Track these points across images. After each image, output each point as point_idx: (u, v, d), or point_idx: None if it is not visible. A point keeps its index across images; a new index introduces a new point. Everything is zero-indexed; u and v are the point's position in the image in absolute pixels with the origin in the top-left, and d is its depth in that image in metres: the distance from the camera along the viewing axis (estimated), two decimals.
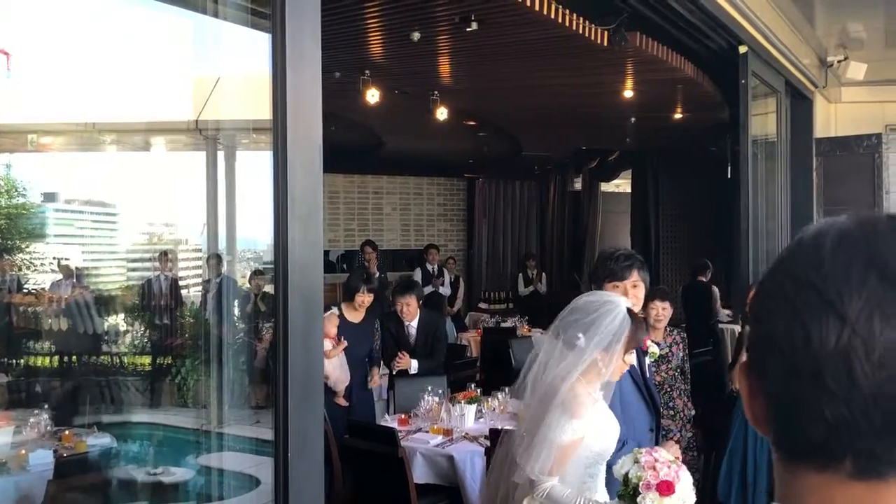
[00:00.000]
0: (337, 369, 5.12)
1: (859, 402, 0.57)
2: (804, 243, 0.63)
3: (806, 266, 0.61)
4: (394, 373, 5.63)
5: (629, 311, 2.57)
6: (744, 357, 0.70)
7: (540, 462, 2.47)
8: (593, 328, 2.49)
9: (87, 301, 7.46)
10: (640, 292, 3.05)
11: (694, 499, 2.42)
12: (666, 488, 2.33)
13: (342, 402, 5.21)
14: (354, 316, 5.39)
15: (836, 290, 0.59)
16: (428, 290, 9.30)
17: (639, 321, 2.57)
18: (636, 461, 2.40)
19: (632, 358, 2.60)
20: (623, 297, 2.69)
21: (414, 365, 5.56)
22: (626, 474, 2.40)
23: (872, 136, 7.50)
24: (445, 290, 10.47)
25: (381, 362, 5.69)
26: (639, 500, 2.35)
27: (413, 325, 5.72)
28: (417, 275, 10.08)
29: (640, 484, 2.34)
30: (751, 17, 5.60)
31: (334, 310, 5.38)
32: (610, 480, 2.58)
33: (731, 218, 6.03)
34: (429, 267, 10.58)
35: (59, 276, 7.91)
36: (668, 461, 2.40)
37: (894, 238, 0.60)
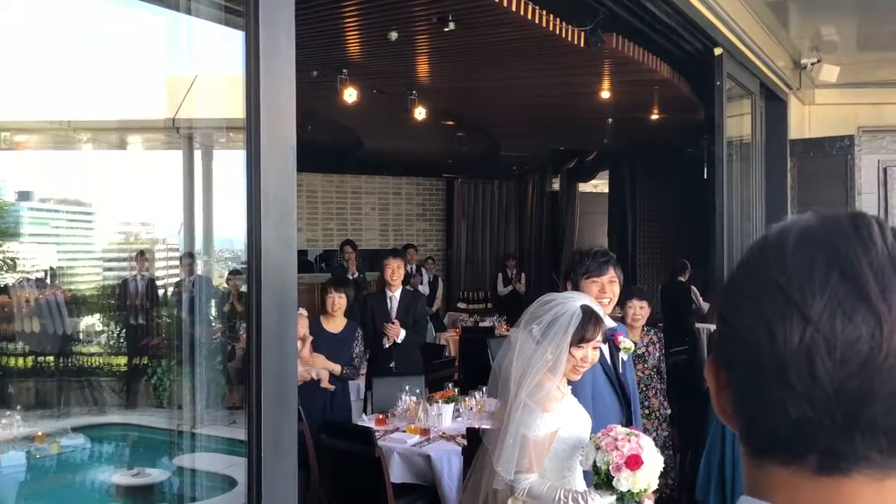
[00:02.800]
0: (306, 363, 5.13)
1: (822, 400, 0.58)
2: (769, 242, 0.64)
3: (770, 265, 0.62)
4: (386, 346, 5.66)
5: (586, 309, 2.58)
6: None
7: (514, 460, 2.47)
8: (544, 321, 2.54)
9: (61, 301, 7.38)
10: (616, 288, 3.15)
11: (661, 459, 2.45)
12: (635, 462, 2.35)
13: (328, 386, 5.15)
14: (333, 325, 5.28)
15: (800, 290, 0.60)
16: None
17: (592, 319, 2.58)
18: (598, 447, 2.41)
19: (587, 354, 2.59)
20: (585, 296, 2.74)
21: (402, 334, 5.67)
22: (594, 463, 2.41)
23: (845, 138, 7.59)
24: (424, 290, 10.48)
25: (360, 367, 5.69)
26: (615, 483, 2.36)
27: (395, 297, 5.79)
28: None
29: (611, 467, 2.35)
30: (726, 19, 5.65)
31: (302, 310, 5.30)
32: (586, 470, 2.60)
33: (707, 218, 6.08)
34: (407, 267, 10.58)
35: (30, 277, 7.82)
36: (626, 435, 2.41)
37: (856, 236, 0.61)
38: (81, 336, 7.84)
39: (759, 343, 0.61)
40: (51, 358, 7.40)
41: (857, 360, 0.58)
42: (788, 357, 0.59)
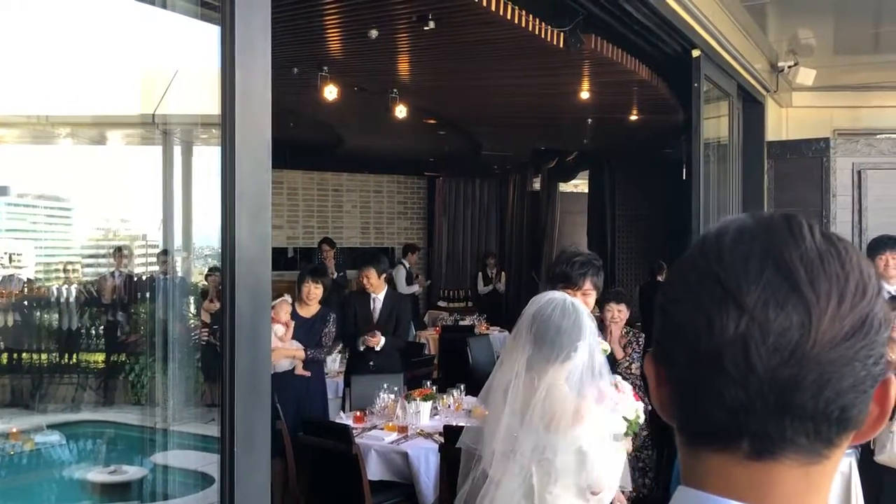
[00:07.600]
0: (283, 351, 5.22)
1: (755, 385, 0.62)
2: (707, 239, 0.68)
3: (708, 259, 0.66)
4: (360, 349, 5.64)
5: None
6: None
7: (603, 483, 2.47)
8: (581, 332, 2.46)
9: (38, 297, 7.31)
10: (591, 299, 3.05)
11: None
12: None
13: (303, 372, 5.28)
14: (306, 311, 5.46)
15: (736, 282, 0.63)
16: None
17: None
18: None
19: None
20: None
21: (381, 342, 5.61)
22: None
23: (821, 141, 7.67)
24: (401, 281, 10.49)
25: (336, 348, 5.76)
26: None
27: (379, 298, 5.77)
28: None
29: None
30: (703, 21, 5.68)
31: (286, 297, 5.46)
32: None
33: (685, 219, 6.12)
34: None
35: (11, 272, 7.75)
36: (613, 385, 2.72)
37: (789, 234, 0.65)
38: (58, 332, 7.78)
39: (697, 332, 0.64)
40: (26, 354, 7.33)
41: (788, 348, 0.61)
42: (724, 345, 0.62)
